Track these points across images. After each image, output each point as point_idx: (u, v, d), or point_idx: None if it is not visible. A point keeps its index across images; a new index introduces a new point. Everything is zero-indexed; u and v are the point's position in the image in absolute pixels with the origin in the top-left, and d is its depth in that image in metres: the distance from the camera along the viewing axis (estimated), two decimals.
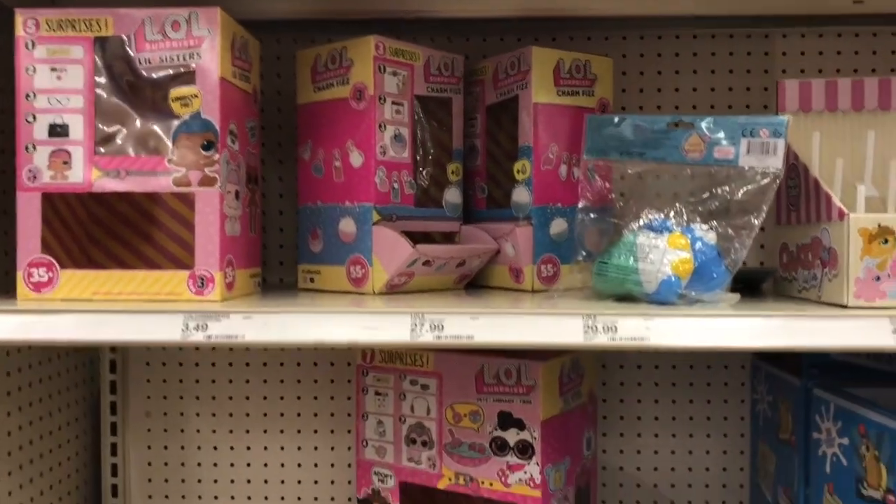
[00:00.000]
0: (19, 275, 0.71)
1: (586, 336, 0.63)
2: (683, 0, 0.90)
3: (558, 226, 0.83)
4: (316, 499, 1.02)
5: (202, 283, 0.70)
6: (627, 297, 0.70)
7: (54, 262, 0.70)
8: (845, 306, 0.65)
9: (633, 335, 0.63)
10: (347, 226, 0.80)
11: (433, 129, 0.86)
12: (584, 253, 0.76)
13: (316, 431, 1.02)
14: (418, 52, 0.82)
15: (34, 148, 0.71)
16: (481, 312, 0.64)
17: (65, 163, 0.71)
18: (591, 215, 0.76)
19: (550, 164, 0.83)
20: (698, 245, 0.67)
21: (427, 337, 0.64)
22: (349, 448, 1.02)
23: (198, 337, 0.64)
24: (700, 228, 0.68)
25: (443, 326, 0.64)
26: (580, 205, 0.76)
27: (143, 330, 0.64)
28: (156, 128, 0.71)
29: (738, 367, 1.00)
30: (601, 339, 0.63)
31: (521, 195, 0.83)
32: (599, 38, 0.98)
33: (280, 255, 1.01)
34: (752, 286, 0.78)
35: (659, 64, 0.98)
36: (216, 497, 1.02)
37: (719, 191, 0.69)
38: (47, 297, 0.70)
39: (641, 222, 0.70)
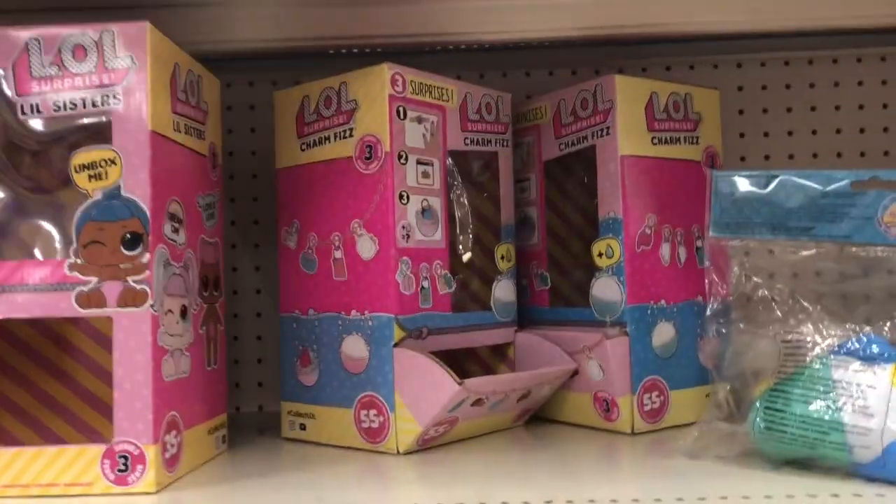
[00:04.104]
0: None
1: None
2: (824, 7, 0.65)
3: (664, 333, 0.57)
4: None
5: (126, 466, 0.43)
6: (812, 459, 0.43)
7: None
8: None
9: None
10: (355, 347, 0.53)
11: (474, 198, 0.60)
12: (719, 377, 0.49)
13: None
14: (452, 87, 0.57)
15: None
16: None
17: None
18: (725, 321, 0.51)
19: (648, 243, 0.57)
20: None
21: None
22: None
23: None
24: None
25: None
26: (711, 306, 0.50)
27: None
28: (50, 214, 0.45)
29: None
30: None
31: (607, 289, 0.57)
32: (705, 65, 0.72)
33: (258, 374, 0.73)
34: None
35: (786, 97, 0.72)
36: None
37: None
38: None
39: (831, 341, 0.44)
